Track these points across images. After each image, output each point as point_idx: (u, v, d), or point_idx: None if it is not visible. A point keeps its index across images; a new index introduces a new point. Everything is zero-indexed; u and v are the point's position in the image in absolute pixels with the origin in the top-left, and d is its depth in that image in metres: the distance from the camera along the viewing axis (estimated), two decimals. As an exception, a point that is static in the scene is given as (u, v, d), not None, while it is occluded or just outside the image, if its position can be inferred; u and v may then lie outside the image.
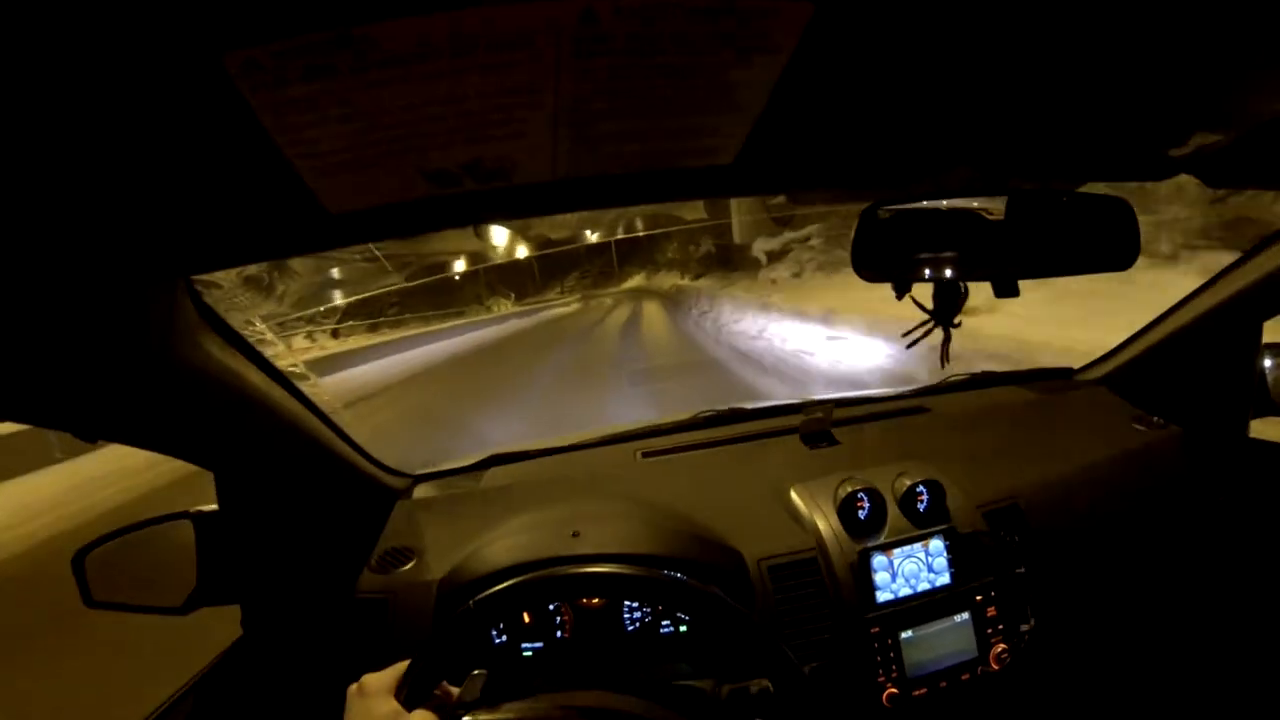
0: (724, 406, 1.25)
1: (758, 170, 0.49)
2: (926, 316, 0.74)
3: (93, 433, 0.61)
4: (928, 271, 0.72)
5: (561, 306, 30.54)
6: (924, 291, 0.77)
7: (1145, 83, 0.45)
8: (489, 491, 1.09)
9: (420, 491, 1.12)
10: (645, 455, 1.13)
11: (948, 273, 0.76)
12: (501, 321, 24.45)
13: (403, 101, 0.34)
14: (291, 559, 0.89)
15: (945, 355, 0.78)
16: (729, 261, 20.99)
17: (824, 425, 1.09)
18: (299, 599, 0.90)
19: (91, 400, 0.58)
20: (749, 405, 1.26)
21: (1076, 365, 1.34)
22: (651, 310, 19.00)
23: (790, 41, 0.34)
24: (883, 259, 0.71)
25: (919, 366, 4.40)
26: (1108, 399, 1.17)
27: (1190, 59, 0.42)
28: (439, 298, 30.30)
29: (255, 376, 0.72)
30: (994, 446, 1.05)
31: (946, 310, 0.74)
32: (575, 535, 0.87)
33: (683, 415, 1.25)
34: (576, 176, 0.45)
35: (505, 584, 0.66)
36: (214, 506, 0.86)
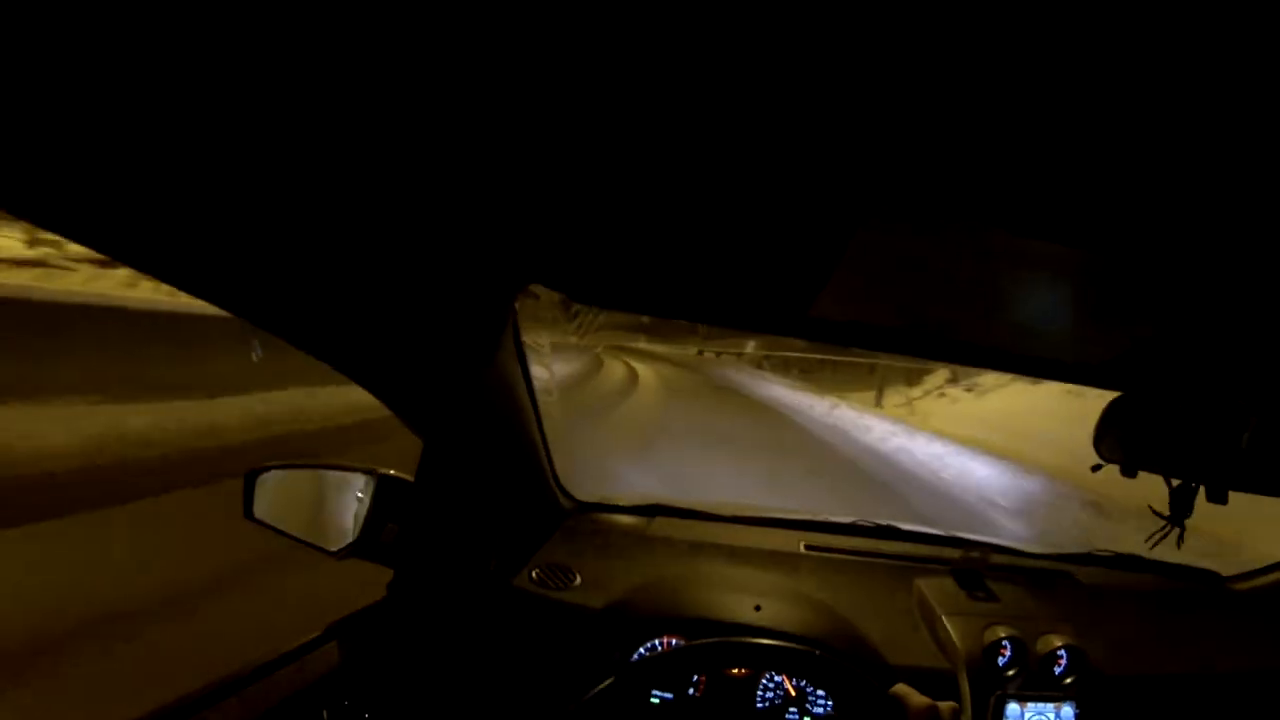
0: (883, 521, 1.28)
1: (1100, 373, 0.63)
2: (1164, 519, 0.77)
3: (404, 411, 0.62)
4: (1160, 466, 0.76)
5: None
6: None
7: None
8: (655, 540, 1.10)
9: (586, 518, 1.13)
10: (809, 548, 1.14)
11: (1177, 473, 0.79)
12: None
13: (940, 272, 0.40)
14: (457, 541, 0.90)
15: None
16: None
17: (978, 567, 1.10)
18: (452, 580, 0.90)
19: (423, 379, 0.60)
20: (904, 526, 1.28)
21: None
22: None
23: None
24: (1123, 446, 0.75)
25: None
26: (1253, 617, 1.16)
27: None
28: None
29: (519, 385, 0.75)
30: (1136, 631, 1.05)
31: (1181, 510, 0.76)
32: (758, 609, 0.88)
33: (843, 519, 1.28)
34: (992, 346, 0.54)
35: (709, 640, 0.67)
36: (392, 470, 0.87)
